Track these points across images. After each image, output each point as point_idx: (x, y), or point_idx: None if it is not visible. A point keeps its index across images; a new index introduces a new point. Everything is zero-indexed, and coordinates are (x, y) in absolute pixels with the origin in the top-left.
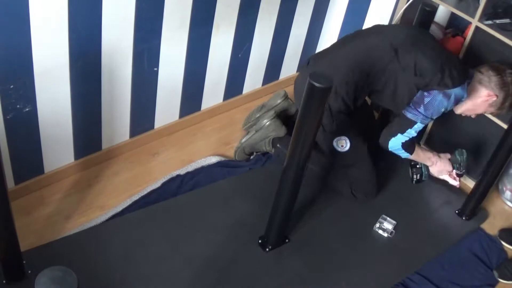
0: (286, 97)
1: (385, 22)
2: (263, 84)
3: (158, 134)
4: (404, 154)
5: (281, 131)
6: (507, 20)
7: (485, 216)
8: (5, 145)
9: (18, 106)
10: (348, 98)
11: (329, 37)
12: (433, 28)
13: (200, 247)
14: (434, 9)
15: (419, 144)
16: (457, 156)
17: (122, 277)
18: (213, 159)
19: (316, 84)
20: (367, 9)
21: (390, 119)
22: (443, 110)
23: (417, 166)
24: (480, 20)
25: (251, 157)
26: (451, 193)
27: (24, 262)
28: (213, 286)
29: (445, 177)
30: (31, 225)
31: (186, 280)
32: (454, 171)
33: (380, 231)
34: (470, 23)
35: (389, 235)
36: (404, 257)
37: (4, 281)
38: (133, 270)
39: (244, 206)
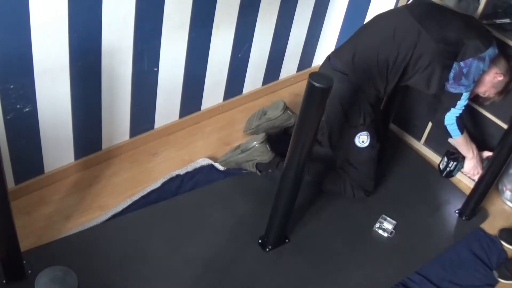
0: (285, 108)
1: None
2: (263, 84)
3: (158, 134)
4: (456, 132)
5: (266, 156)
6: (507, 20)
7: (485, 216)
8: (5, 145)
9: (18, 106)
10: (380, 80)
11: (329, 37)
12: None
13: (200, 247)
14: None
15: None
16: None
17: (122, 277)
18: (213, 163)
19: (316, 84)
20: (367, 9)
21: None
22: (481, 72)
23: (455, 155)
24: (480, 20)
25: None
26: (451, 193)
27: (24, 262)
28: (213, 286)
29: (473, 175)
30: (31, 225)
31: (186, 280)
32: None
33: (380, 231)
34: None
35: (389, 235)
36: (404, 257)
37: (4, 281)
38: (133, 270)
39: (244, 206)
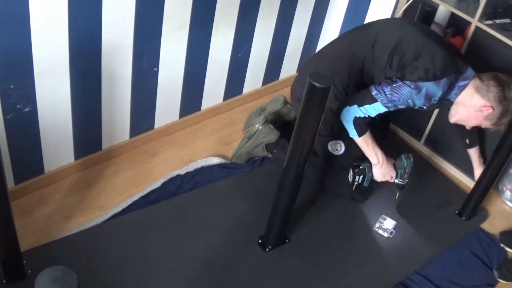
0: (285, 103)
1: None
2: (263, 84)
3: (158, 134)
4: (352, 132)
5: (272, 135)
6: (507, 20)
7: (485, 216)
8: (5, 145)
9: (18, 106)
10: (338, 93)
11: (329, 37)
12: (433, 28)
13: (200, 247)
14: (434, 9)
15: (372, 138)
16: (404, 160)
17: (122, 277)
18: (214, 160)
19: (316, 84)
20: (367, 9)
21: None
22: (410, 102)
23: (360, 167)
24: (480, 20)
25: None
26: (451, 193)
27: (24, 262)
28: (213, 286)
29: (386, 181)
30: (31, 225)
31: (186, 280)
32: (397, 180)
33: (380, 231)
34: (470, 23)
35: (389, 235)
36: (404, 257)
37: (4, 281)
38: (133, 270)
39: (244, 206)
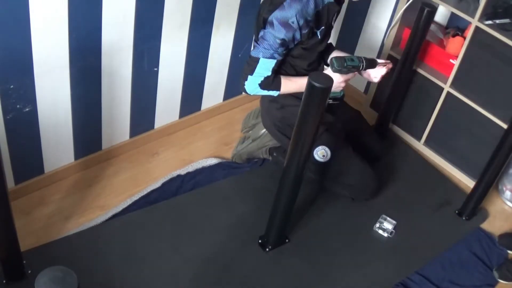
0: None
1: (385, 22)
2: None
3: (158, 134)
4: (272, 92)
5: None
6: (507, 20)
7: (485, 216)
8: (5, 145)
9: (18, 106)
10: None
11: None
12: (433, 28)
13: (200, 247)
14: (434, 9)
15: (285, 77)
16: (335, 64)
17: (122, 277)
18: (214, 160)
19: (316, 84)
20: (367, 9)
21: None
22: (278, 40)
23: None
24: (480, 20)
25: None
26: (451, 193)
27: (24, 262)
28: (213, 286)
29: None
30: (31, 225)
31: (186, 280)
32: (350, 74)
33: (380, 231)
34: (470, 23)
35: (389, 235)
36: (404, 257)
37: (4, 281)
38: (133, 270)
39: (244, 206)
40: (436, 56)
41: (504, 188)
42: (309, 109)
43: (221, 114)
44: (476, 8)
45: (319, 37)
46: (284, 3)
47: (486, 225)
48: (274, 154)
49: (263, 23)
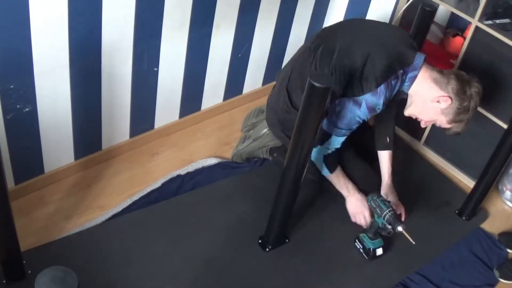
0: None
1: (385, 22)
2: (263, 84)
3: (158, 134)
4: (325, 170)
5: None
6: (507, 20)
7: (485, 216)
8: (5, 145)
9: (18, 106)
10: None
11: None
12: (433, 28)
13: (200, 247)
14: (434, 9)
15: (343, 172)
16: (380, 206)
17: (122, 277)
18: (214, 160)
19: (316, 84)
20: (367, 9)
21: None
22: (358, 119)
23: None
24: (480, 20)
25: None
26: (451, 193)
27: (24, 262)
28: (213, 286)
29: (358, 219)
30: (31, 225)
31: (186, 280)
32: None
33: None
34: (470, 23)
35: (387, 235)
36: (404, 257)
37: (4, 281)
38: (133, 270)
39: (244, 206)
40: (436, 56)
41: (504, 188)
42: (309, 109)
43: (221, 114)
44: (476, 8)
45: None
46: (378, 89)
47: (486, 225)
48: (275, 154)
49: (345, 95)
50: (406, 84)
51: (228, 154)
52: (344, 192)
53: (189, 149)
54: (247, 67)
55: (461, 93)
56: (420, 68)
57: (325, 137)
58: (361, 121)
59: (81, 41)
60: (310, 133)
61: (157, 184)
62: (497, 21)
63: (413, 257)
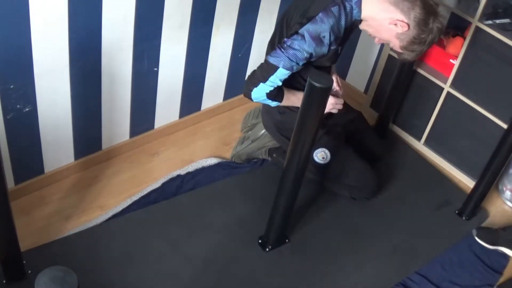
0: None
1: None
2: None
3: (158, 134)
4: (273, 103)
5: None
6: (507, 20)
7: (485, 216)
8: (5, 145)
9: (18, 106)
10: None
11: None
12: None
13: (200, 247)
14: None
15: (286, 88)
16: None
17: (122, 277)
18: (214, 160)
19: (316, 84)
20: None
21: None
22: (306, 54)
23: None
24: (480, 20)
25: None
26: (451, 193)
27: (24, 262)
28: (213, 286)
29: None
30: (31, 225)
31: (186, 280)
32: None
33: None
34: (470, 23)
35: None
36: (404, 257)
37: (4, 281)
38: (133, 270)
39: (244, 206)
40: (436, 56)
41: (504, 188)
42: (309, 110)
43: (221, 114)
44: (476, 8)
45: (339, 53)
46: (317, 17)
47: (486, 225)
48: (274, 155)
49: (291, 34)
50: (354, 11)
51: (228, 154)
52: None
53: (189, 149)
54: (247, 67)
55: (422, 24)
56: None
57: (270, 72)
58: (308, 56)
59: (81, 41)
60: (310, 134)
61: (157, 184)
62: (497, 21)
63: (413, 257)
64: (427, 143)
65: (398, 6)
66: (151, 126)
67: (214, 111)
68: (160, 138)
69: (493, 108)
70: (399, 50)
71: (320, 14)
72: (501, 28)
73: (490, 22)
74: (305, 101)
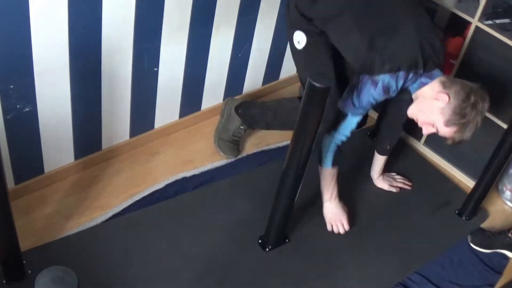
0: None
1: None
2: (263, 84)
3: (158, 134)
4: (327, 161)
5: (236, 102)
6: (507, 20)
7: (485, 216)
8: (5, 145)
9: (18, 106)
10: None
11: None
12: None
13: (200, 247)
14: (434, 9)
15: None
16: None
17: (122, 277)
18: (217, 164)
19: (316, 84)
20: None
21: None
22: (372, 100)
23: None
24: (480, 20)
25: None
26: (451, 193)
27: (24, 262)
28: (213, 286)
29: (332, 223)
30: (31, 225)
31: (186, 280)
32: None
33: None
34: (470, 23)
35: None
36: (404, 257)
37: (4, 281)
38: (133, 270)
39: (244, 206)
40: None
41: (504, 188)
42: (309, 109)
43: None
44: (476, 8)
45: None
46: (400, 73)
47: (486, 225)
48: (239, 110)
49: (366, 69)
50: (415, 85)
51: None
52: (327, 195)
53: (189, 149)
54: (247, 67)
55: (462, 96)
56: (434, 80)
57: (340, 118)
58: (374, 103)
59: (81, 41)
60: (310, 133)
61: (160, 185)
62: (497, 21)
63: (413, 257)
64: (427, 143)
65: (442, 83)
66: (151, 126)
67: (214, 111)
68: (160, 138)
69: (493, 108)
70: (445, 129)
71: (401, 73)
72: (501, 28)
73: (490, 22)
74: (305, 101)
